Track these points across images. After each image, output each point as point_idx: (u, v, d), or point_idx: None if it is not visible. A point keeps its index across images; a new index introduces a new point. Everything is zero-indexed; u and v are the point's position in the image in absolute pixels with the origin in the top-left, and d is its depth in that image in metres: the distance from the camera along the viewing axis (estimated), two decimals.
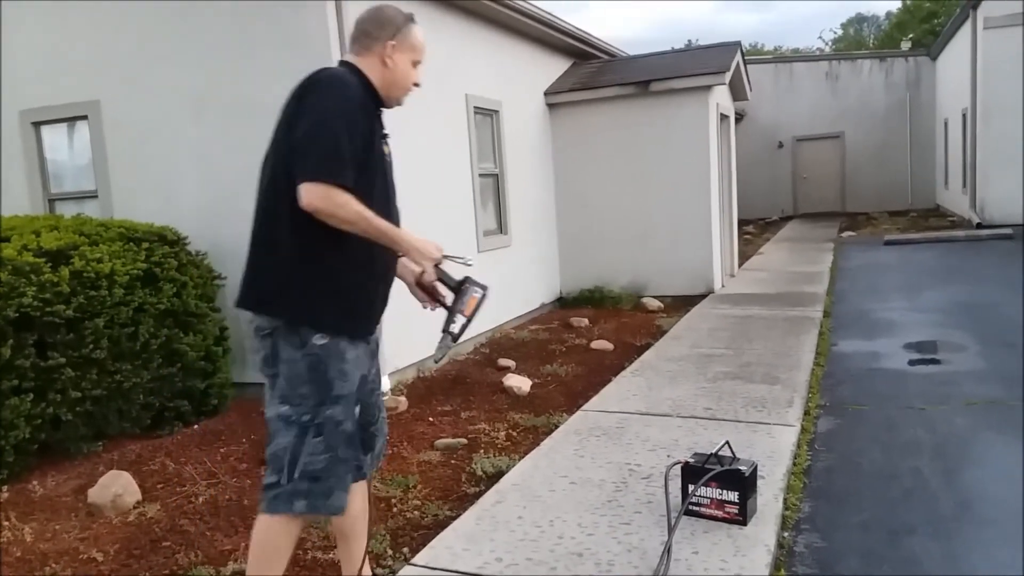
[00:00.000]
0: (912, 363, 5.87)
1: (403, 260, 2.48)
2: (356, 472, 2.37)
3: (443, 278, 2.31)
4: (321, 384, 2.23)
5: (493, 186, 7.83)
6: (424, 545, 3.19)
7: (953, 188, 17.93)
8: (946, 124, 18.81)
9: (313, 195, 2.10)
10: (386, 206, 2.35)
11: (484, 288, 2.36)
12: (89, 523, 3.74)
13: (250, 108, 5.59)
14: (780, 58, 26.57)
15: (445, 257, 2.30)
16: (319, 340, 2.23)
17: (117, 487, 3.90)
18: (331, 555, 3.24)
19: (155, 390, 4.93)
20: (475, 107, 7.26)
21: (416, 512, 3.63)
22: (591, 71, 9.75)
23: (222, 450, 4.73)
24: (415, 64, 2.42)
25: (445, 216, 6.64)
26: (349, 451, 2.29)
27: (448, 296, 2.41)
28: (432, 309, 2.49)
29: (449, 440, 4.54)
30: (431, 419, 5.08)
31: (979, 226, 14.42)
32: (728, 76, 9.07)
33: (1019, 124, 14.19)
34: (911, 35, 27.20)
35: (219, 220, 5.75)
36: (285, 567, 2.34)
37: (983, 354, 5.91)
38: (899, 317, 7.50)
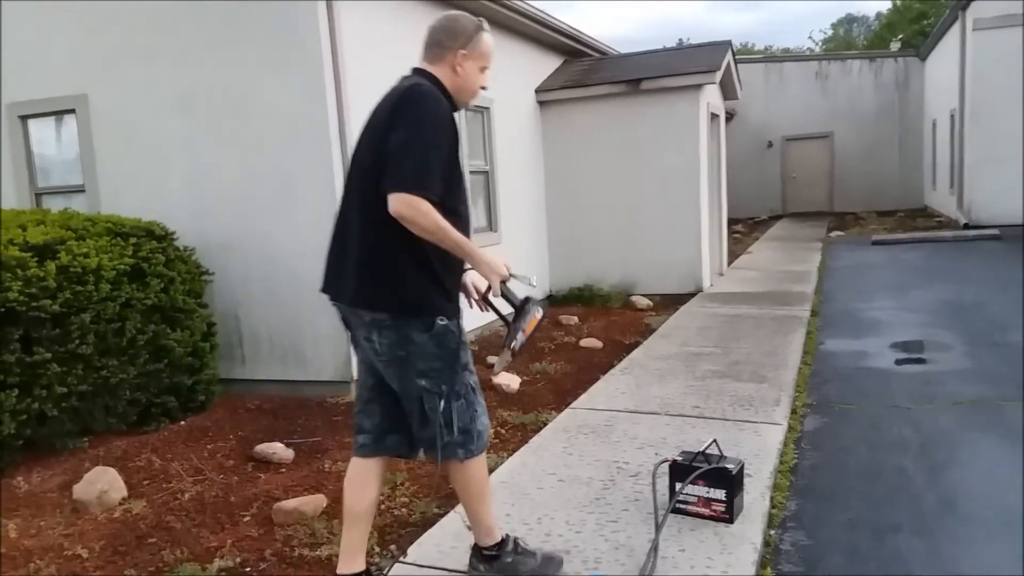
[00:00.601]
0: (899, 362, 5.91)
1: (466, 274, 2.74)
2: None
3: (507, 295, 2.47)
4: (451, 357, 2.50)
5: (483, 183, 7.82)
6: (412, 542, 3.19)
7: (941, 189, 18.05)
8: (934, 125, 18.92)
9: (400, 204, 2.29)
10: (468, 211, 2.58)
11: (544, 309, 2.53)
12: (74, 519, 3.71)
13: (240, 104, 5.58)
14: (770, 58, 26.68)
15: (511, 276, 2.47)
16: (440, 321, 2.48)
17: (103, 483, 3.88)
18: (318, 552, 3.24)
19: (142, 386, 4.91)
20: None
21: (404, 510, 3.63)
22: (582, 69, 9.75)
23: (209, 446, 4.71)
24: (483, 70, 2.59)
25: None
26: (478, 397, 2.61)
27: (508, 312, 2.59)
28: (483, 310, 2.72)
29: None
30: None
31: (966, 227, 14.53)
32: (719, 75, 9.10)
33: (1007, 125, 14.30)
34: (900, 36, 27.32)
35: (207, 216, 5.74)
36: (490, 497, 2.77)
37: (969, 354, 5.96)
38: (886, 316, 7.55)
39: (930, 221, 17.01)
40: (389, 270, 2.44)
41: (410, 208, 2.29)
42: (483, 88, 2.61)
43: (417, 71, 2.58)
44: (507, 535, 2.82)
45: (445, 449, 2.57)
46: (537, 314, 2.52)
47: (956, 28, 15.23)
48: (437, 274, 2.47)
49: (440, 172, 2.36)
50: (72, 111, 6.10)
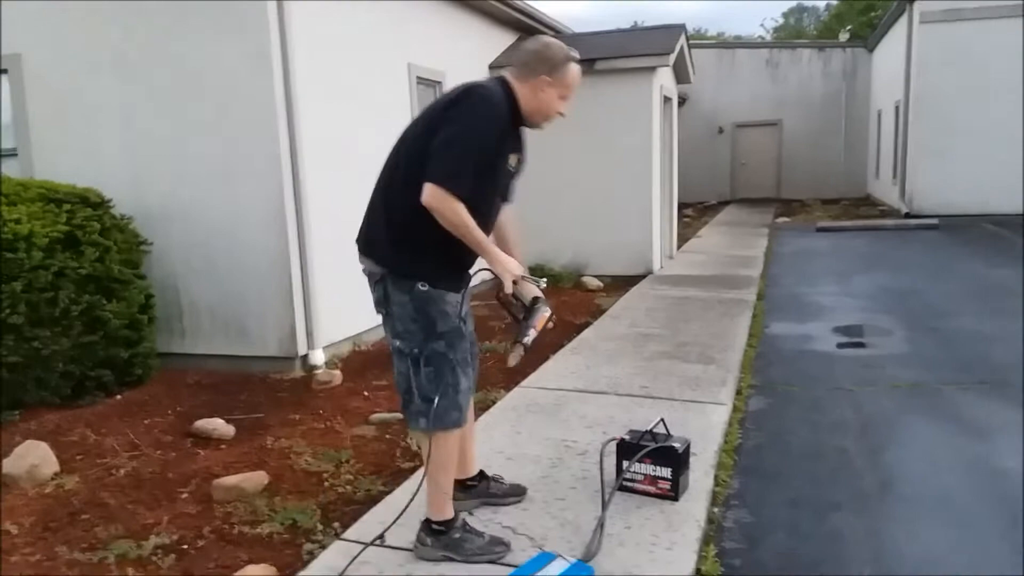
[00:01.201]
0: (840, 346, 6.03)
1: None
2: (466, 394, 2.74)
3: (519, 294, 2.59)
4: (427, 323, 2.61)
5: None
6: (356, 520, 3.13)
7: (884, 178, 18.51)
8: (880, 115, 19.35)
9: (433, 196, 2.46)
10: (490, 210, 2.70)
11: (551, 309, 2.69)
12: (3, 494, 3.56)
13: (180, 68, 5.37)
14: (723, 43, 26.92)
15: (523, 277, 2.58)
16: (422, 287, 2.59)
17: (33, 457, 3.73)
18: (258, 530, 3.16)
19: (76, 358, 4.73)
20: (418, 77, 7.11)
21: (348, 487, 3.56)
22: None
23: (146, 421, 4.57)
24: (563, 98, 2.70)
25: None
26: (455, 377, 2.64)
27: (520, 310, 2.70)
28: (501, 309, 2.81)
29: (385, 414, 4.48)
30: (366, 393, 5.00)
31: (907, 216, 14.93)
32: (672, 58, 9.11)
33: (949, 119, 14.71)
34: (849, 27, 27.81)
35: (146, 183, 5.53)
36: (454, 470, 2.82)
37: (908, 339, 6.12)
38: (829, 301, 7.70)
39: (873, 210, 17.43)
40: (391, 233, 2.61)
41: (440, 202, 2.46)
42: (560, 114, 2.72)
43: (499, 80, 2.69)
44: (458, 514, 2.82)
45: (408, 413, 2.71)
46: (546, 312, 2.65)
47: (903, 21, 15.56)
48: (438, 251, 2.59)
49: (474, 172, 2.49)
50: (4, 71, 5.79)
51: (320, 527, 3.16)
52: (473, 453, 3.19)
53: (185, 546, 3.09)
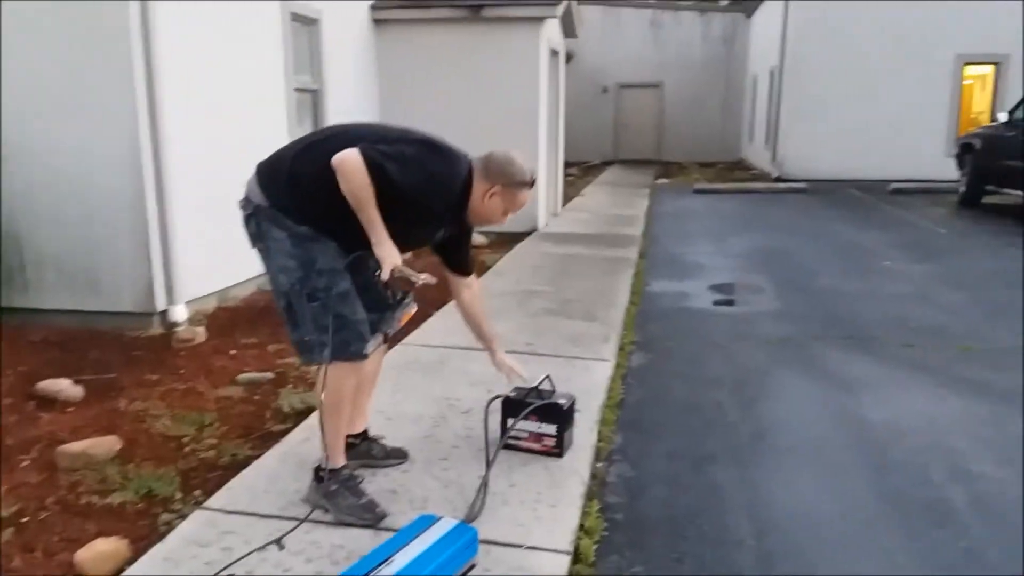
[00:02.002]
0: (716, 303, 6.19)
1: (500, 359, 3.12)
2: (365, 325, 2.63)
3: (392, 285, 2.54)
4: (306, 258, 2.51)
5: (311, 103, 7.28)
6: (220, 487, 2.90)
7: (757, 143, 19.26)
8: (755, 81, 20.04)
9: (348, 157, 2.38)
10: (403, 229, 2.56)
11: (416, 306, 2.89)
12: None
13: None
14: (608, 1, 26.93)
15: (401, 270, 2.50)
16: (301, 227, 2.51)
17: None
18: (108, 500, 2.88)
19: None
20: (292, 13, 6.65)
21: (211, 452, 3.30)
22: None
23: None
24: (505, 212, 2.72)
25: (255, 133, 6.07)
26: (348, 306, 2.55)
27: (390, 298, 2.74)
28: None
29: (253, 374, 4.20)
30: (233, 352, 4.68)
31: (777, 180, 15.59)
32: (560, 9, 8.99)
33: (819, 87, 15.39)
34: None
35: None
36: (349, 416, 2.77)
37: (779, 296, 6.34)
38: (706, 260, 7.91)
39: (746, 173, 18.12)
40: (300, 192, 2.52)
41: (352, 164, 2.37)
42: (499, 223, 2.78)
43: (469, 163, 2.69)
44: (347, 467, 2.71)
45: (301, 348, 2.66)
46: (411, 309, 2.85)
47: None
48: (333, 223, 2.51)
49: (395, 163, 2.42)
50: None
51: (179, 496, 2.90)
52: (365, 409, 3.06)
53: (26, 519, 2.78)
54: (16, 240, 5.04)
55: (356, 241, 2.52)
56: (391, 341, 4.62)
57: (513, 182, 2.67)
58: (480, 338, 3.12)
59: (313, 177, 2.47)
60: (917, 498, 3.00)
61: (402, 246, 2.57)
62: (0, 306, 4.96)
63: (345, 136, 2.52)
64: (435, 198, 2.57)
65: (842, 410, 3.91)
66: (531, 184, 2.74)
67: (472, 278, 3.00)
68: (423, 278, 2.54)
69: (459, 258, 2.93)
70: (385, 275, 2.49)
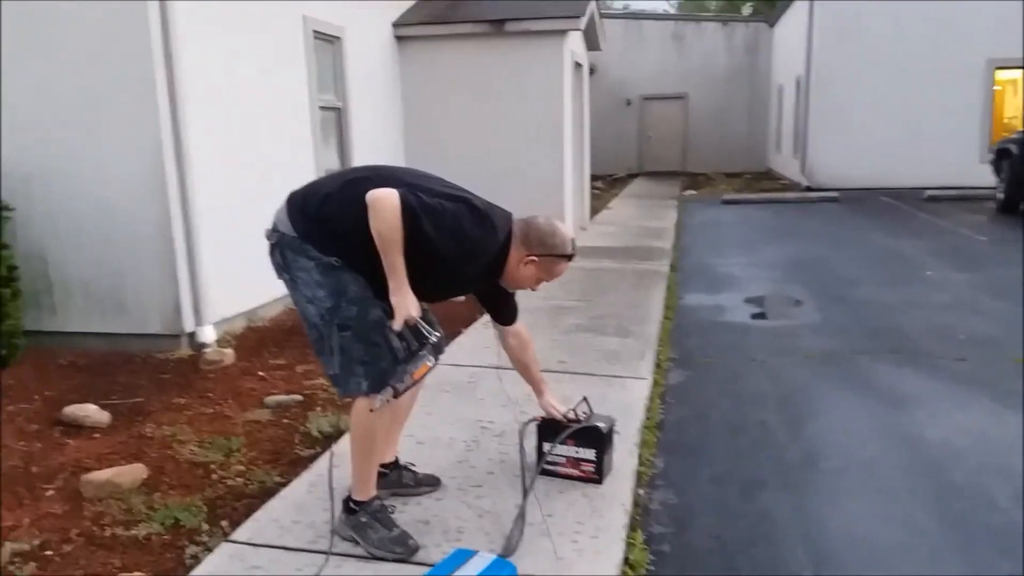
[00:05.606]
0: (753, 316, 6.00)
1: (546, 402, 2.99)
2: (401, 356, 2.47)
3: (404, 336, 2.38)
4: (336, 287, 2.40)
5: (335, 122, 7.23)
6: (247, 517, 2.79)
7: (784, 152, 18.98)
8: (781, 90, 19.79)
9: (385, 195, 2.26)
10: (427, 281, 2.46)
11: (437, 360, 2.49)
12: None
13: (44, 11, 4.73)
14: (630, 14, 26.89)
15: (417, 322, 2.38)
16: (328, 256, 2.41)
17: None
18: (134, 531, 2.78)
19: None
20: (315, 31, 6.61)
21: (239, 479, 3.20)
22: (443, 6, 9.22)
23: (9, 408, 4.04)
24: (539, 280, 2.67)
25: (281, 152, 6.02)
26: (382, 336, 2.41)
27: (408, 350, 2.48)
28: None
29: (282, 397, 4.10)
30: (262, 374, 4.59)
31: (808, 189, 15.33)
32: (583, 22, 8.88)
33: (847, 94, 15.13)
34: (750, 2, 28.33)
35: (7, 143, 4.88)
36: (382, 449, 2.64)
37: (819, 308, 6.14)
38: (740, 272, 7.72)
39: (775, 183, 17.86)
40: (328, 227, 2.42)
41: (386, 201, 2.25)
42: (532, 289, 2.74)
43: (509, 230, 2.58)
44: (378, 497, 2.59)
45: (336, 379, 2.52)
46: (429, 362, 2.44)
47: None
48: (356, 261, 2.40)
49: (427, 232, 2.30)
50: None
51: (206, 527, 2.80)
52: (397, 438, 2.95)
53: (49, 552, 2.69)
54: (42, 262, 5.01)
55: (378, 285, 2.39)
56: None
57: (553, 253, 2.60)
58: (528, 381, 3.02)
59: (345, 215, 2.36)
60: (983, 524, 2.81)
61: (424, 297, 2.47)
62: (30, 329, 4.92)
63: (386, 177, 2.41)
64: (465, 260, 2.46)
65: (894, 429, 3.72)
66: (571, 257, 2.65)
67: (518, 326, 2.90)
68: (436, 336, 2.42)
69: (501, 308, 2.84)
70: (397, 325, 2.36)
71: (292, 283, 2.48)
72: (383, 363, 2.41)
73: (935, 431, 3.65)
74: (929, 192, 13.52)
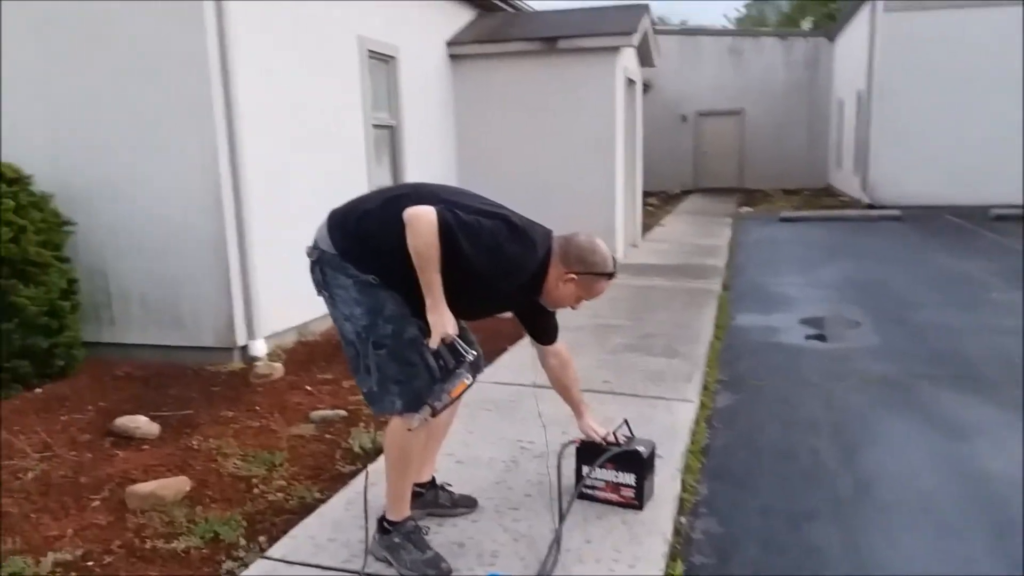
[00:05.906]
0: (808, 338, 5.83)
1: (586, 424, 2.94)
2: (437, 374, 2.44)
3: (442, 354, 2.35)
4: (373, 305, 2.39)
5: (388, 140, 7.32)
6: (285, 533, 2.80)
7: (845, 168, 18.51)
8: (841, 105, 19.34)
9: (423, 212, 2.25)
10: (464, 299, 2.44)
11: (474, 378, 2.43)
12: None
13: (101, 30, 4.90)
14: (686, 30, 26.69)
15: (454, 340, 2.36)
16: (366, 274, 2.41)
17: None
18: (174, 544, 2.81)
19: None
20: (369, 51, 6.71)
21: (280, 494, 3.22)
22: (496, 24, 9.30)
23: (63, 418, 4.16)
24: (579, 298, 2.61)
25: (334, 169, 6.11)
26: (418, 354, 2.39)
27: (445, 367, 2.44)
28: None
29: (326, 412, 4.13)
30: (309, 388, 4.64)
31: (869, 207, 14.90)
32: (636, 38, 8.82)
33: (911, 108, 14.68)
34: (811, 17, 27.84)
35: (68, 157, 5.08)
36: (417, 469, 2.63)
37: (876, 330, 5.93)
38: (795, 292, 7.52)
39: (834, 200, 17.42)
40: (351, 223, 2.46)
41: (422, 218, 2.25)
42: (571, 308, 2.67)
43: (548, 247, 2.55)
44: (412, 518, 2.58)
45: (371, 398, 2.50)
46: (467, 380, 2.38)
47: (866, 9, 15.48)
48: (392, 280, 2.39)
49: (463, 249, 2.28)
50: None
51: (244, 542, 2.82)
52: (434, 457, 2.94)
53: (90, 563, 2.74)
54: (103, 276, 5.17)
55: (417, 303, 2.38)
56: None
57: (593, 271, 2.55)
58: (568, 403, 2.97)
59: (384, 233, 2.35)
60: None
61: (462, 315, 2.45)
62: (89, 341, 5.07)
63: (424, 194, 2.40)
64: (502, 277, 2.43)
65: (955, 459, 3.54)
66: (611, 275, 2.60)
67: (558, 345, 2.84)
68: (473, 354, 2.38)
69: (541, 327, 2.80)
70: (433, 343, 2.34)
71: (331, 300, 2.48)
72: (418, 382, 2.38)
73: (998, 463, 3.47)
74: (996, 210, 13.00)
